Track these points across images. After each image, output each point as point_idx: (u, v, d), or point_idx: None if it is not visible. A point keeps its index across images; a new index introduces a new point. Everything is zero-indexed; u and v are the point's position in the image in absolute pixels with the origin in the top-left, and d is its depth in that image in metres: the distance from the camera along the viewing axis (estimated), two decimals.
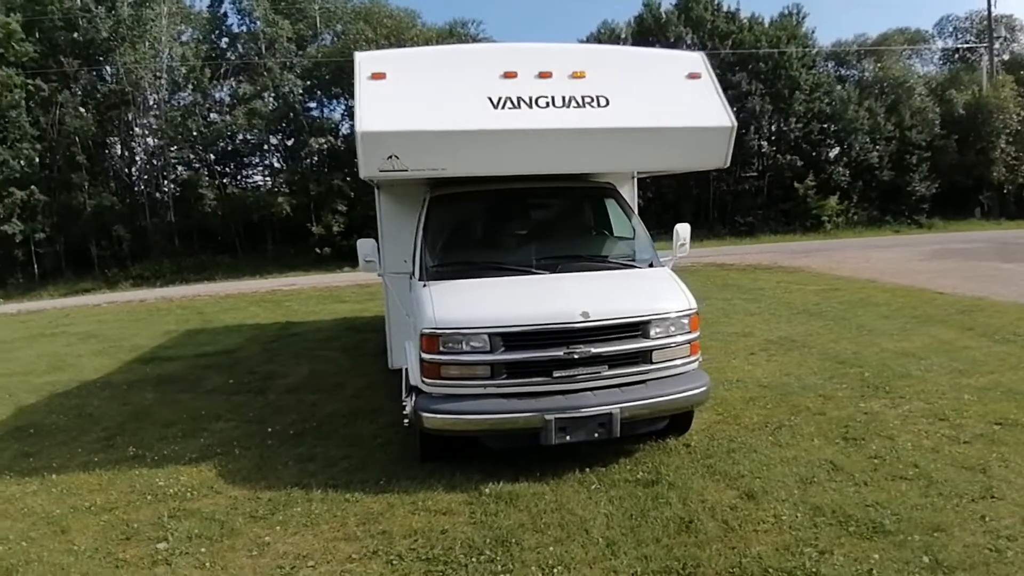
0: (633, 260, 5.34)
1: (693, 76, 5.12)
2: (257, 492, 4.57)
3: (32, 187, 22.14)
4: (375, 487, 4.55)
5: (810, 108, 27.17)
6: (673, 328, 4.69)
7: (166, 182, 26.45)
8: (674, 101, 4.97)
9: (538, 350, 4.43)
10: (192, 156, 26.25)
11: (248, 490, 4.62)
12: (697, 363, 4.88)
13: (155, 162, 26.36)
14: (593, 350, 4.45)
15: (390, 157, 4.53)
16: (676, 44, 28.05)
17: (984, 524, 3.64)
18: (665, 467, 4.59)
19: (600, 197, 5.93)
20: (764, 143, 27.96)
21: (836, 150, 27.86)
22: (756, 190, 27.97)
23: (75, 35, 23.51)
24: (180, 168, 26.70)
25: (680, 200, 27.31)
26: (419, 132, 4.55)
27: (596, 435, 4.44)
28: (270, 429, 5.93)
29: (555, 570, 3.43)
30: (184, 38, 27.11)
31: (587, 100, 4.80)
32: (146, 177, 26.53)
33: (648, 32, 28.47)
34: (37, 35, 23.09)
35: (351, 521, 4.09)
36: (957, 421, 5.17)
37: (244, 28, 27.99)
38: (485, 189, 5.65)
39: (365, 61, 4.87)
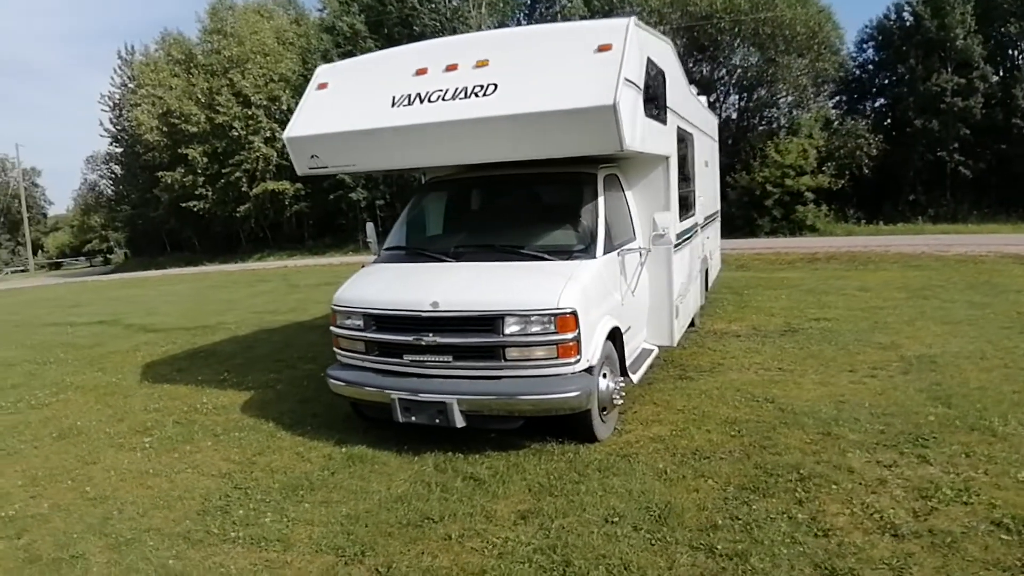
0: (554, 252, 5.00)
1: (603, 48, 4.49)
2: (241, 419, 5.98)
3: None
4: (299, 431, 5.52)
5: None
6: (535, 328, 4.45)
7: None
8: (565, 81, 4.46)
9: (395, 333, 4.77)
10: None
11: (238, 416, 6.06)
12: (573, 367, 4.48)
13: None
14: (440, 339, 4.57)
15: (312, 156, 5.30)
16: None
17: None
18: (506, 468, 4.44)
19: (573, 184, 5.57)
20: None
21: None
22: None
23: (414, 29, 28.95)
24: None
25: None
26: (327, 134, 5.19)
27: (436, 421, 4.60)
28: (322, 375, 7.33)
29: (285, 519, 3.96)
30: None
31: (476, 90, 4.73)
32: None
33: None
34: (384, 31, 29.22)
35: (250, 450, 5.17)
36: (937, 505, 3.62)
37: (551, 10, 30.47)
38: (466, 176, 5.97)
39: (320, 74, 5.65)
